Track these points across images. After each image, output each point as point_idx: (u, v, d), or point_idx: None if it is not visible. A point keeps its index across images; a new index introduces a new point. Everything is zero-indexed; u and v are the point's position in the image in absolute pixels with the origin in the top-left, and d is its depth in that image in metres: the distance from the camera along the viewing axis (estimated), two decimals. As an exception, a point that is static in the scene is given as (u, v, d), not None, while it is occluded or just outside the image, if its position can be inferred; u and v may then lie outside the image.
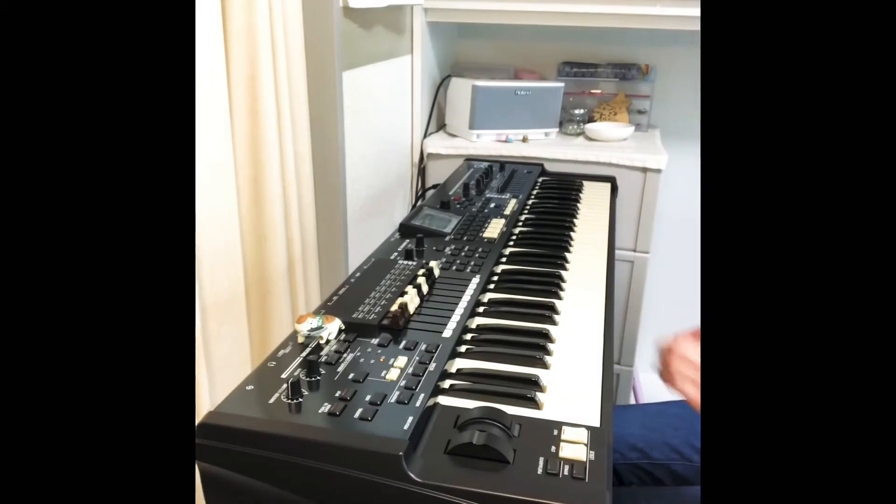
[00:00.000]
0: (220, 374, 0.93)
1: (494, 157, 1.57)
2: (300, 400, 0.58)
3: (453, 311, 0.76)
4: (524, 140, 1.69)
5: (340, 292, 0.78)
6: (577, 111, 1.78)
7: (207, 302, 0.89)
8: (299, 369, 0.63)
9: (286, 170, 1.01)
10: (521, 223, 1.13)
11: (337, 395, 0.59)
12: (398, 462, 0.50)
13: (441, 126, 1.84)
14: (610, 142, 1.67)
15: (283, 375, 0.62)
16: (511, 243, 1.04)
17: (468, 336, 0.74)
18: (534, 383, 0.64)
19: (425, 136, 1.71)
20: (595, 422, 0.59)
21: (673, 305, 1.96)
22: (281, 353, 0.66)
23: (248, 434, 0.54)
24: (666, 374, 0.70)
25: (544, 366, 0.68)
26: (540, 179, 1.40)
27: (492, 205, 1.17)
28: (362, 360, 0.65)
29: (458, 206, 1.16)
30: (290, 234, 1.05)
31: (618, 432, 0.96)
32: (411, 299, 0.75)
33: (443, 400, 0.62)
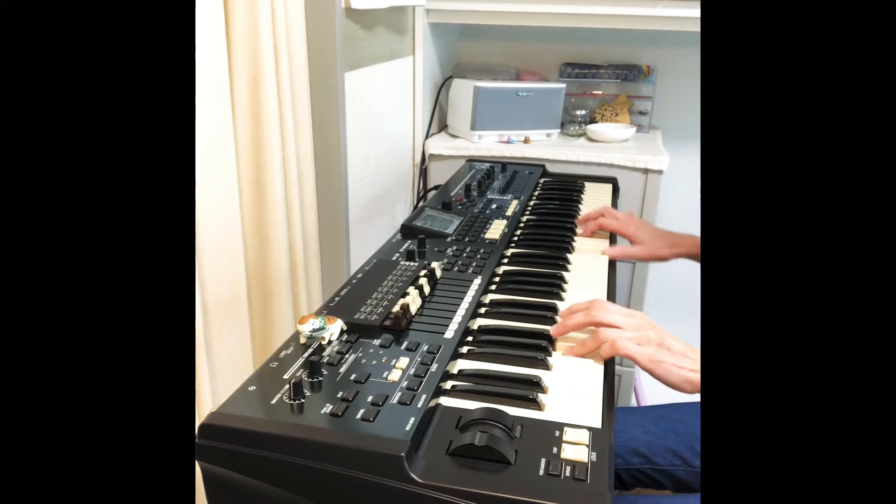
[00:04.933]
0: (222, 374, 0.93)
1: (496, 158, 1.57)
2: (302, 401, 0.58)
3: (455, 312, 0.76)
4: (526, 141, 1.69)
5: (342, 293, 0.78)
6: (578, 112, 1.78)
7: (209, 303, 0.90)
8: (301, 370, 0.63)
9: (288, 171, 1.01)
10: (522, 224, 1.13)
11: (339, 395, 0.59)
12: (400, 463, 0.51)
13: (443, 127, 1.84)
14: (611, 143, 1.67)
15: (286, 376, 0.62)
16: (513, 244, 1.04)
17: (470, 337, 0.74)
18: (535, 384, 0.64)
19: (427, 137, 1.71)
20: (597, 423, 0.59)
21: (674, 307, 1.96)
22: (283, 353, 0.66)
23: (250, 434, 0.54)
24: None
25: (546, 367, 0.68)
26: (541, 180, 1.40)
27: (493, 206, 1.17)
28: (364, 360, 0.65)
29: (459, 207, 1.16)
30: (292, 235, 1.05)
31: (620, 437, 0.96)
32: (413, 300, 0.75)
33: (444, 401, 0.62)
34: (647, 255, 1.07)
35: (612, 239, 1.10)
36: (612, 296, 0.88)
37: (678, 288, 1.96)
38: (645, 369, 0.67)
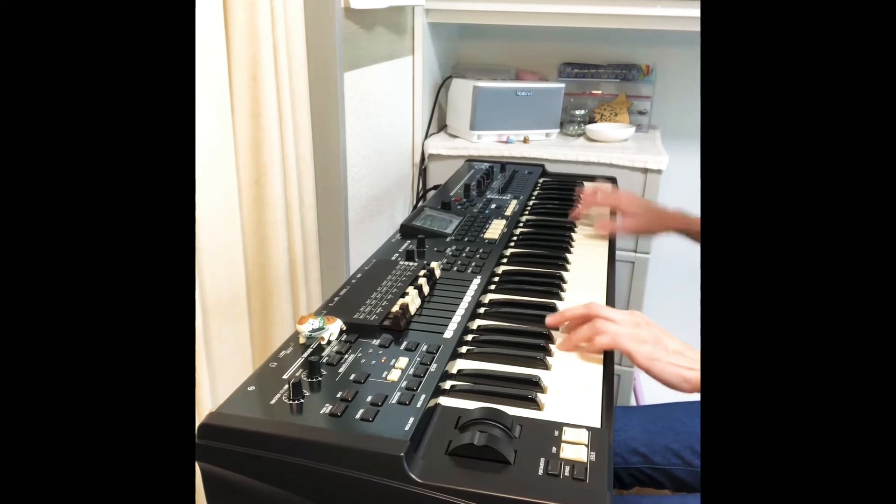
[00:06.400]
0: (221, 374, 0.93)
1: (495, 158, 1.57)
2: (301, 401, 0.58)
3: (454, 311, 0.76)
4: (525, 141, 1.69)
5: (342, 293, 0.78)
6: (577, 112, 1.78)
7: (209, 303, 0.90)
8: (301, 370, 0.63)
9: (287, 170, 1.01)
10: (521, 224, 1.13)
11: (338, 395, 0.59)
12: (399, 463, 0.51)
13: (442, 127, 1.84)
14: (611, 142, 1.68)
15: (285, 376, 0.62)
16: (512, 244, 1.04)
17: (469, 337, 0.74)
18: (535, 384, 0.64)
19: (426, 137, 1.71)
20: (596, 422, 0.59)
21: (674, 306, 1.96)
22: (282, 353, 0.66)
23: (249, 434, 0.54)
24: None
25: (545, 366, 0.68)
26: (541, 180, 1.40)
27: (493, 205, 1.17)
28: (363, 360, 0.65)
29: (458, 206, 1.16)
30: (292, 235, 1.05)
31: (619, 435, 0.96)
32: (412, 300, 0.75)
33: (444, 401, 0.62)
34: (636, 228, 1.07)
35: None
36: (611, 294, 0.88)
37: (678, 287, 1.96)
38: (641, 367, 0.66)
